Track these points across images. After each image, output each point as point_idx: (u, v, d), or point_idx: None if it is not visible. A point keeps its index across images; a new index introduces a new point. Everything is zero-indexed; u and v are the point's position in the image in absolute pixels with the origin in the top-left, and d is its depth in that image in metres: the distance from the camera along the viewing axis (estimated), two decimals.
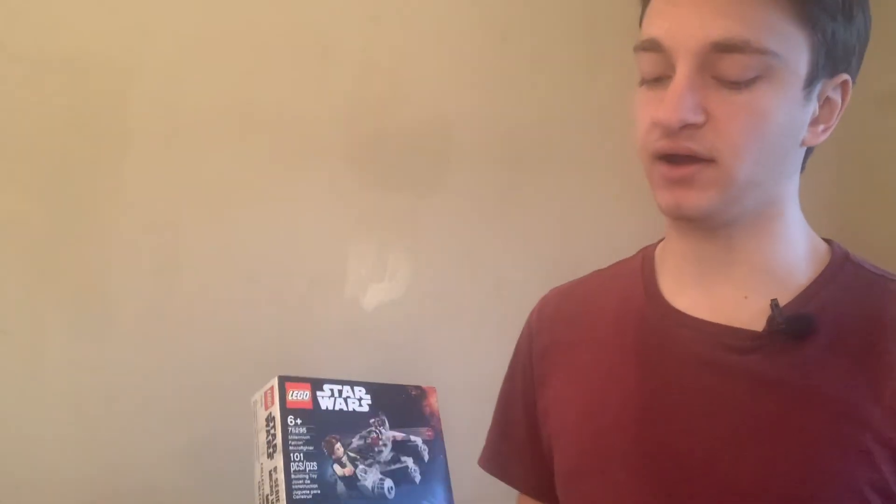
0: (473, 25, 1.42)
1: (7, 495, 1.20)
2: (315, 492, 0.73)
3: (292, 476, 0.73)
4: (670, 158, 0.71)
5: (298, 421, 0.76)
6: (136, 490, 1.26)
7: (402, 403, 0.83)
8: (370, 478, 0.77)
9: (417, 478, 0.79)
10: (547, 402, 0.88)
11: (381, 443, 0.79)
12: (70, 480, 1.23)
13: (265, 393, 0.79)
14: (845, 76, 0.75)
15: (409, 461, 0.80)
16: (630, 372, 0.80)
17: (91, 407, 1.25)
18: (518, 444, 0.92)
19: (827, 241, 0.82)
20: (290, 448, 0.74)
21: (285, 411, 0.76)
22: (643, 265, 0.87)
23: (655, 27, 0.72)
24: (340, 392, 0.80)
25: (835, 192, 1.34)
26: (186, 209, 1.31)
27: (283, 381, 0.78)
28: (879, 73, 1.31)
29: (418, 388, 0.84)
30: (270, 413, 0.77)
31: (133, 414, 1.26)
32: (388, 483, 0.78)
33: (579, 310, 0.90)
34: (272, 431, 0.76)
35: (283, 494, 0.72)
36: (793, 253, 0.78)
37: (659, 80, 0.73)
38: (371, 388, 0.81)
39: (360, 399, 0.81)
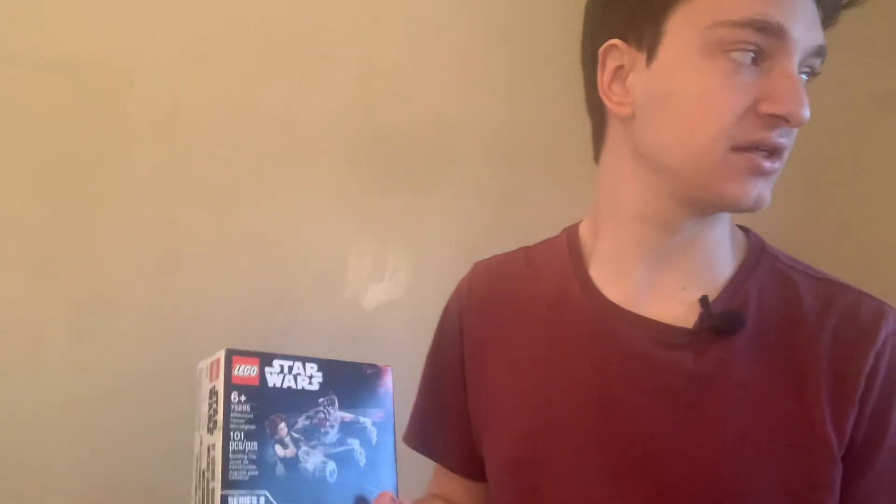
0: (473, 25, 1.42)
1: (7, 495, 1.20)
2: (252, 473, 0.70)
3: (230, 456, 0.70)
4: (774, 150, 0.70)
5: (242, 398, 0.72)
6: (136, 490, 1.25)
7: (355, 382, 0.79)
8: (312, 460, 0.74)
9: (362, 461, 0.76)
10: (480, 385, 0.88)
11: (328, 424, 0.76)
12: (70, 480, 1.23)
13: (211, 364, 0.75)
14: None
15: (355, 443, 0.77)
16: (575, 366, 0.80)
17: (91, 407, 1.25)
18: (447, 419, 0.92)
19: (743, 228, 0.84)
20: (231, 426, 0.71)
21: (230, 387, 0.72)
22: (570, 250, 0.87)
23: (779, 13, 0.68)
24: (291, 368, 0.76)
25: (834, 191, 1.34)
26: (186, 209, 1.31)
27: (231, 354, 0.74)
28: (879, 73, 1.31)
29: (374, 366, 0.81)
30: (214, 387, 0.74)
31: (133, 414, 1.26)
32: (331, 466, 0.75)
33: (510, 292, 0.89)
34: (214, 406, 0.73)
35: (218, 474, 0.69)
36: (726, 243, 0.80)
37: (749, 64, 0.69)
38: (324, 365, 0.78)
39: (311, 377, 0.77)
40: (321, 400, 0.76)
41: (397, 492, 0.77)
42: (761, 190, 0.71)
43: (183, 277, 1.30)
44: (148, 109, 1.29)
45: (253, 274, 1.33)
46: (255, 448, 0.71)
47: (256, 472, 0.70)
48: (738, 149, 0.69)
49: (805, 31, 0.69)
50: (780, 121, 0.68)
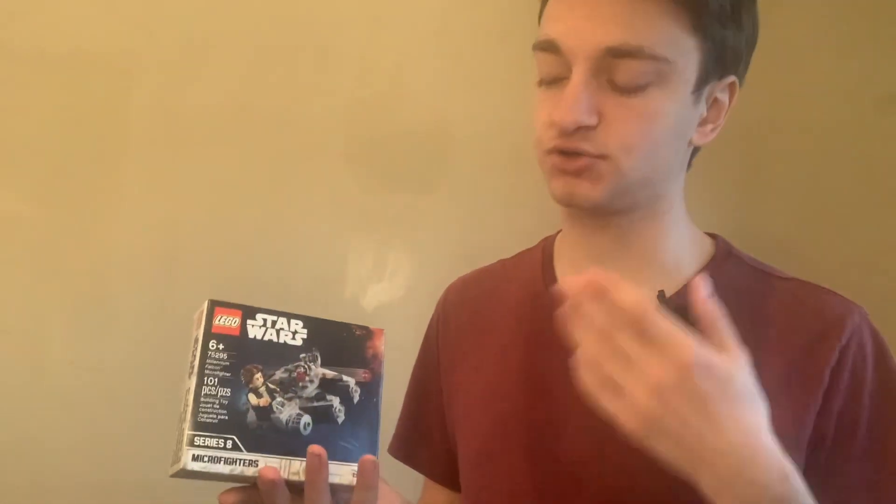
0: (473, 25, 1.42)
1: (6, 495, 1.20)
2: (222, 417, 0.71)
3: (201, 399, 0.71)
4: (564, 151, 0.75)
5: (220, 346, 0.74)
6: (136, 490, 1.25)
7: (341, 341, 0.80)
8: (287, 411, 0.74)
9: (341, 418, 0.76)
10: (451, 389, 0.90)
11: (307, 378, 0.77)
12: (70, 480, 1.23)
13: (198, 314, 0.78)
14: (733, 78, 0.79)
15: (335, 400, 0.77)
16: (523, 357, 0.83)
17: (91, 407, 1.25)
18: (428, 430, 0.94)
19: (712, 235, 0.86)
20: (206, 371, 0.73)
21: (208, 335, 0.74)
22: (543, 254, 0.91)
23: (553, 29, 0.74)
24: (274, 323, 0.78)
25: (834, 191, 1.34)
26: (186, 209, 1.31)
27: (214, 305, 0.77)
28: (879, 73, 1.30)
29: (364, 328, 0.82)
30: (196, 335, 0.76)
31: (133, 414, 1.26)
32: (306, 419, 0.75)
33: (483, 297, 0.93)
34: (195, 353, 0.75)
35: (189, 416, 0.71)
36: (679, 246, 0.82)
37: (556, 81, 0.76)
38: (310, 322, 0.79)
39: (294, 332, 0.78)
40: (303, 355, 0.77)
41: (377, 455, 0.77)
42: (571, 186, 0.76)
43: (183, 277, 1.30)
44: (148, 109, 1.29)
45: (252, 273, 1.33)
46: (228, 394, 0.72)
47: (227, 417, 0.72)
48: (549, 151, 0.76)
49: (581, 38, 0.72)
50: (555, 126, 0.74)
